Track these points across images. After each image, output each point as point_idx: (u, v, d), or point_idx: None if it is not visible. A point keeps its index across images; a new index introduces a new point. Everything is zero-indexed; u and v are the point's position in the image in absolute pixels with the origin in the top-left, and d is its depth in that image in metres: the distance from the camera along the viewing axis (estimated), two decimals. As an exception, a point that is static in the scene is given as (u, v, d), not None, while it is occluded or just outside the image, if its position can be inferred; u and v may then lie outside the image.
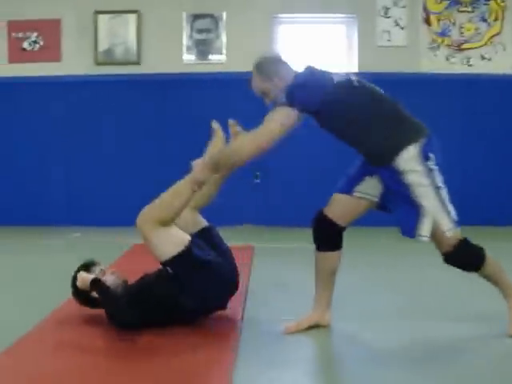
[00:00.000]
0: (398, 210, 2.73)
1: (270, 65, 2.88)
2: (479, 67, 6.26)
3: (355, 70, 6.22)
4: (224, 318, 3.10)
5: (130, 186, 6.21)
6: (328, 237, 2.89)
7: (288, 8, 6.33)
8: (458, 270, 2.82)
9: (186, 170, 6.49)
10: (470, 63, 6.29)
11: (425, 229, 2.63)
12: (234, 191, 6.17)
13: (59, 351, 2.70)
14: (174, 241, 2.78)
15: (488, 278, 2.84)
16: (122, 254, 4.77)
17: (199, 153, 6.08)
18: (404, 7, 6.24)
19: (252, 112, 6.15)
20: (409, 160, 2.67)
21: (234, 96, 6.18)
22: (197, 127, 6.21)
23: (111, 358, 2.60)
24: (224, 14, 6.23)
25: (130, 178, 6.25)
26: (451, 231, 2.67)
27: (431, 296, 3.56)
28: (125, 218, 6.04)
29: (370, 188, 2.86)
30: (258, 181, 6.22)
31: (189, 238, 2.84)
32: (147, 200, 6.13)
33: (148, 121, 6.27)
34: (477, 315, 3.13)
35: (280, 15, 6.36)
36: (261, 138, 2.72)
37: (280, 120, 2.70)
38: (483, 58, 6.29)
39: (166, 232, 2.78)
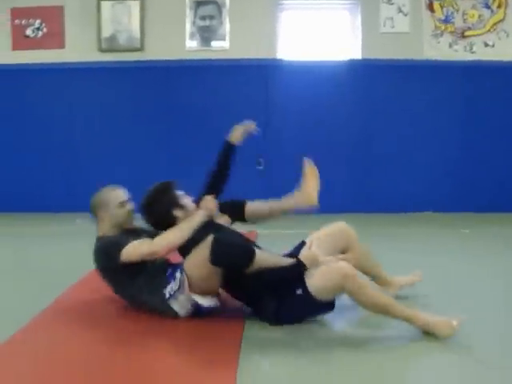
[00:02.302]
0: None
1: None
2: (482, 54, 6.25)
3: (359, 56, 6.23)
4: (226, 313, 3.02)
5: (133, 171, 6.23)
6: None
7: (291, -6, 6.33)
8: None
9: (189, 155, 6.51)
10: (473, 50, 6.29)
11: None
12: (237, 178, 6.22)
13: (65, 336, 2.72)
14: None
15: None
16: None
17: (201, 139, 6.17)
18: (407, -6, 6.23)
19: (254, 98, 6.23)
20: None
21: (236, 82, 6.20)
22: (200, 113, 6.26)
23: (115, 349, 2.57)
24: (227, 1, 6.22)
25: (131, 164, 6.27)
26: None
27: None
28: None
29: None
30: (261, 167, 6.24)
31: None
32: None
33: (151, 107, 6.27)
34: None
35: (283, 1, 6.35)
36: None
37: None
38: (486, 44, 6.29)
39: None
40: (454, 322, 2.63)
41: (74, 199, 6.25)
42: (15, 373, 2.32)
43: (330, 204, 6.30)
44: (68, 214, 5.93)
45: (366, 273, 3.17)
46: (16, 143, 6.35)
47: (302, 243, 3.10)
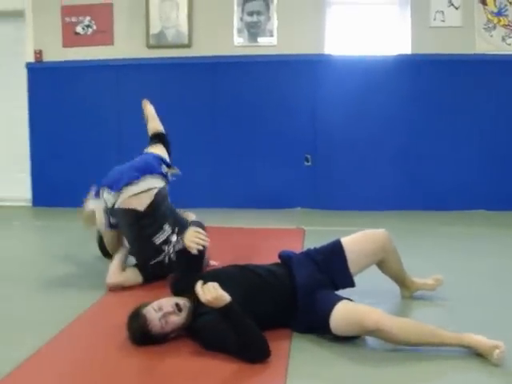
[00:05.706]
0: None
1: None
2: (536, 47, 6.08)
3: (408, 51, 6.12)
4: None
5: (180, 167, 6.25)
6: None
7: (339, -11, 6.25)
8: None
9: (236, 151, 6.53)
10: (527, 44, 6.12)
11: None
12: (286, 175, 6.22)
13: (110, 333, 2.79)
14: None
15: None
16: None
17: (249, 134, 6.18)
18: (459, -13, 6.09)
19: (302, 94, 6.20)
20: None
21: (284, 78, 6.18)
22: (248, 109, 6.25)
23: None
24: (275, -4, 6.19)
25: (179, 159, 6.29)
26: None
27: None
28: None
29: None
30: (309, 164, 6.20)
31: None
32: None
33: (199, 103, 6.30)
34: None
35: (331, -4, 6.29)
36: None
37: None
38: (541, 38, 6.11)
39: None
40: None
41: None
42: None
43: (378, 200, 6.26)
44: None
45: (390, 276, 3.20)
46: (67, 139, 6.45)
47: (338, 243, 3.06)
